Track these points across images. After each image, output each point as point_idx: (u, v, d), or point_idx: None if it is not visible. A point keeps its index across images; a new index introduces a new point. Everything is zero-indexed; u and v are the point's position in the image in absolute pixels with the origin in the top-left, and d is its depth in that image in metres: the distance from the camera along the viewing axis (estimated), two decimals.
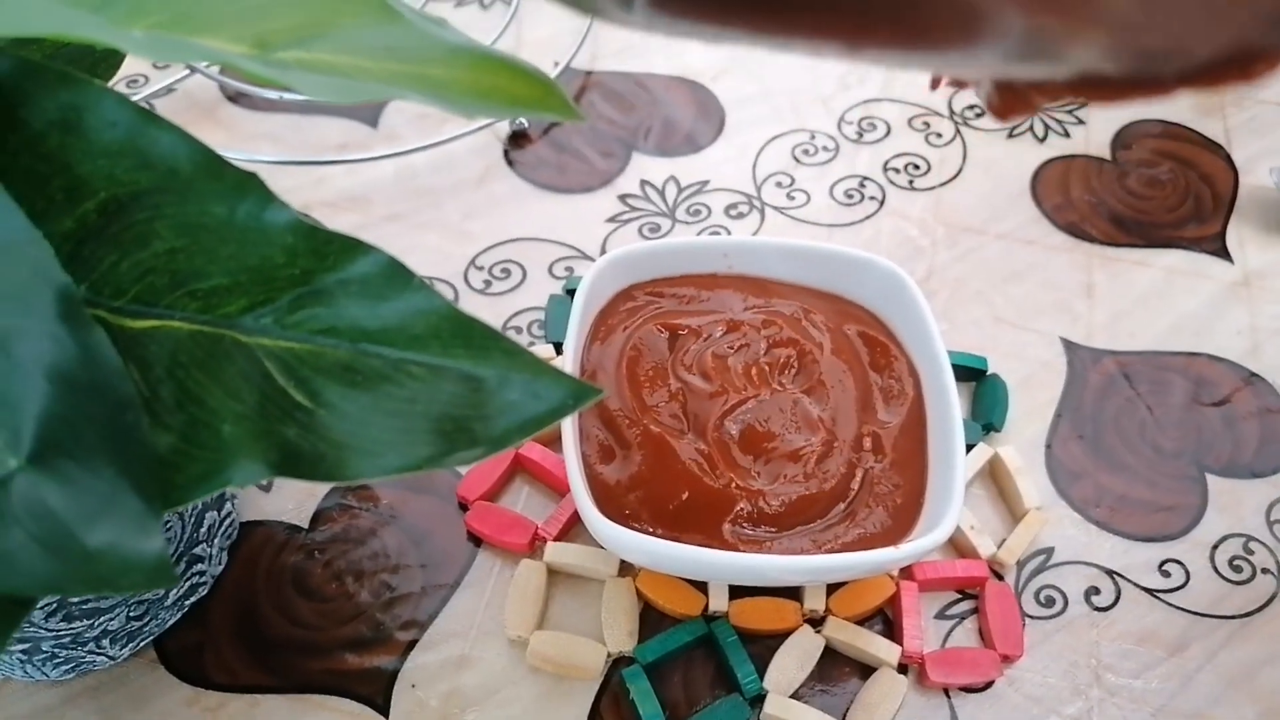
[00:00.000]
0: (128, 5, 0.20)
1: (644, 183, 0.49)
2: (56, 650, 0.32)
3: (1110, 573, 0.37)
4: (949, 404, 0.34)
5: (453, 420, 0.20)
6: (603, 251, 0.46)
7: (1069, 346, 0.44)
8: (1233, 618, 0.36)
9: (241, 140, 0.50)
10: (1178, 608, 0.36)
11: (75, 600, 0.30)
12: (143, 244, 0.21)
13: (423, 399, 0.21)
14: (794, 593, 0.35)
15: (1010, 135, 0.52)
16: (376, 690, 0.34)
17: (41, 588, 0.17)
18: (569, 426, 0.33)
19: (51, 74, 0.20)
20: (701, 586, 0.35)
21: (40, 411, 0.17)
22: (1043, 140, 0.52)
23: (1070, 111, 0.54)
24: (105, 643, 0.33)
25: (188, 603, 0.35)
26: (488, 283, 0.45)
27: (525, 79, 0.20)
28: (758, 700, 0.33)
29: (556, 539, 0.36)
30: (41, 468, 0.17)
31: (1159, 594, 0.37)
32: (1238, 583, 0.37)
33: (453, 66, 0.20)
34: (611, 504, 0.33)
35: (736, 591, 0.35)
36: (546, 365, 0.21)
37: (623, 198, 0.49)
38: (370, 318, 0.21)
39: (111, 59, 0.26)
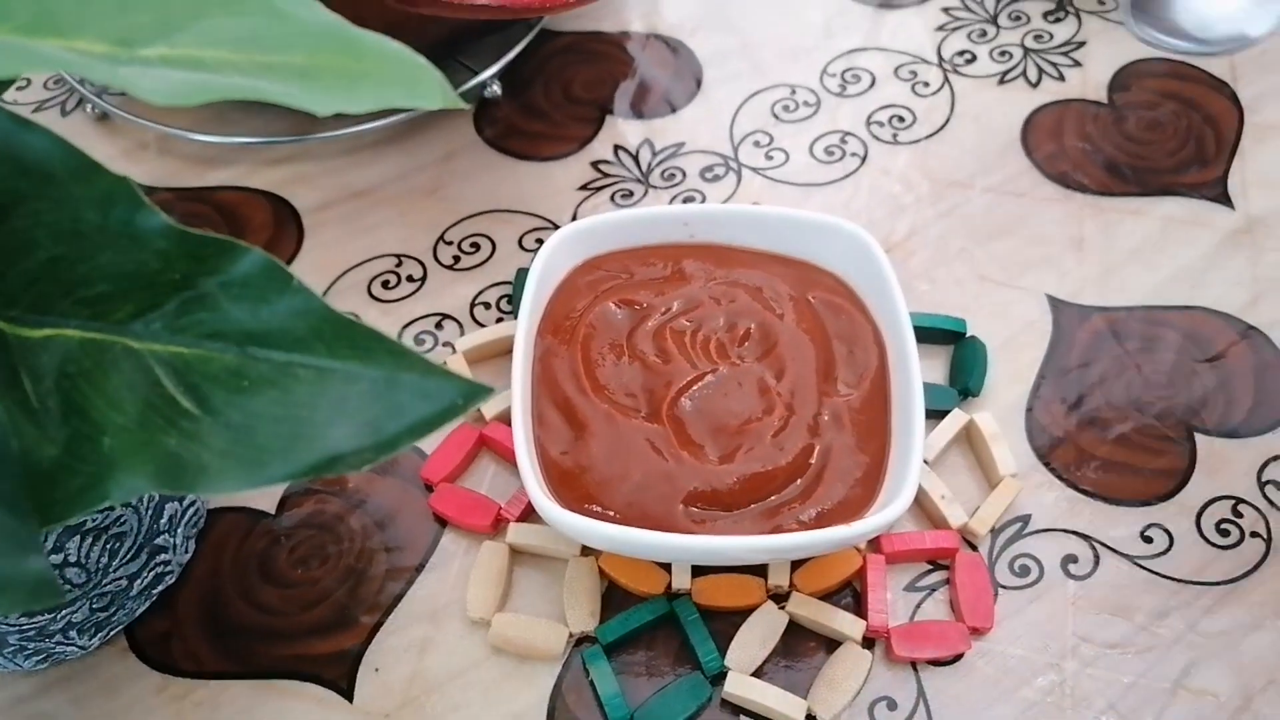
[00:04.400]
0: None
1: (617, 148, 0.48)
2: (24, 643, 0.32)
3: (1089, 539, 0.36)
4: (910, 373, 0.33)
5: (340, 425, 0.20)
6: (574, 220, 0.45)
7: (1055, 304, 0.42)
8: (1217, 584, 0.35)
9: (215, 121, 0.49)
10: (1159, 575, 0.35)
11: None
12: (26, 253, 0.21)
13: (309, 403, 0.20)
14: (758, 569, 0.35)
15: (1001, 81, 0.50)
16: (340, 674, 0.34)
17: None
18: (519, 411, 0.33)
19: None
20: (665, 564, 0.35)
21: None
22: (1036, 85, 0.50)
23: (1067, 54, 0.51)
24: (73, 634, 0.33)
25: (155, 591, 0.35)
26: (456, 258, 0.44)
27: (397, 64, 0.20)
28: (720, 678, 0.33)
29: (519, 519, 0.36)
30: None
31: (1140, 561, 0.35)
32: (1224, 547, 0.36)
33: (318, 53, 0.19)
34: (567, 487, 0.33)
35: (700, 568, 0.35)
36: (435, 365, 0.20)
37: (595, 164, 0.47)
38: (254, 320, 0.20)
39: None
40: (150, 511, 0.33)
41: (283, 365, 0.20)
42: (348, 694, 0.33)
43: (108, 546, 0.32)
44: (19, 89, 0.53)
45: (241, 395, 0.20)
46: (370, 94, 0.19)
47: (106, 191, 0.20)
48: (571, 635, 0.34)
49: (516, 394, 0.33)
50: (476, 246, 0.45)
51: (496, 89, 0.50)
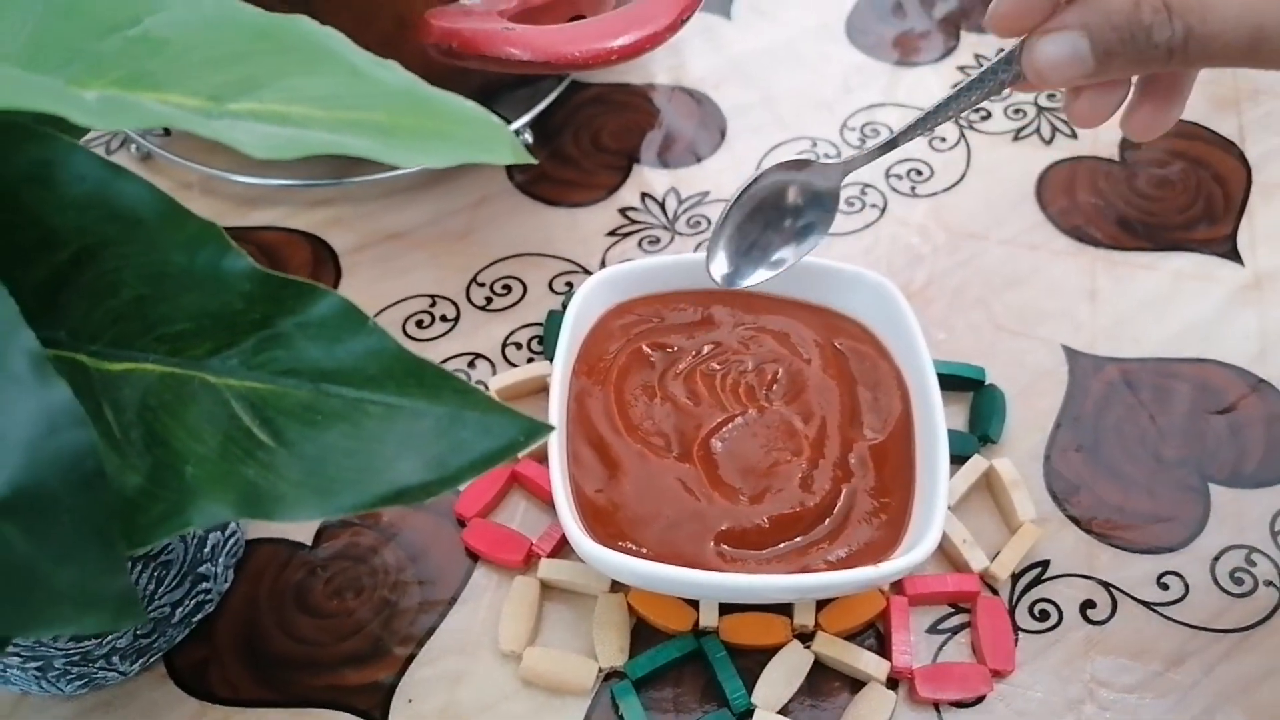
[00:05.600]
0: (88, 62, 0.21)
1: (644, 195, 0.50)
2: (68, 667, 0.33)
3: (1107, 585, 0.37)
4: (934, 419, 0.34)
5: (407, 459, 0.21)
6: (602, 265, 0.46)
7: (1070, 354, 0.43)
8: (1232, 631, 0.36)
9: (257, 163, 0.51)
10: (1175, 621, 0.36)
11: None
12: (113, 292, 0.22)
13: (378, 437, 0.21)
14: (784, 608, 0.35)
15: (1016, 138, 0.52)
16: (374, 705, 0.35)
17: (9, 627, 0.18)
18: (555, 450, 0.34)
19: (21, 131, 0.21)
20: (693, 602, 0.35)
21: (7, 463, 0.18)
22: (1049, 142, 0.51)
23: None
24: (115, 659, 0.34)
25: (194, 620, 0.36)
26: (489, 299, 0.46)
27: (472, 122, 0.21)
28: (746, 715, 0.34)
29: (550, 555, 0.37)
30: (7, 516, 0.18)
31: (1156, 607, 0.36)
32: (1238, 595, 0.36)
33: (396, 111, 0.20)
34: (600, 525, 0.34)
35: (727, 607, 0.35)
36: (498, 403, 0.21)
37: (623, 211, 0.49)
38: (328, 359, 0.22)
39: None
40: (195, 540, 0.34)
41: (354, 401, 0.22)
42: None
43: (155, 574, 0.33)
44: None
45: (314, 429, 0.21)
46: (447, 150, 0.20)
47: (194, 236, 0.21)
48: (601, 670, 0.35)
49: (553, 433, 0.34)
50: (508, 288, 0.46)
51: (528, 137, 0.51)
